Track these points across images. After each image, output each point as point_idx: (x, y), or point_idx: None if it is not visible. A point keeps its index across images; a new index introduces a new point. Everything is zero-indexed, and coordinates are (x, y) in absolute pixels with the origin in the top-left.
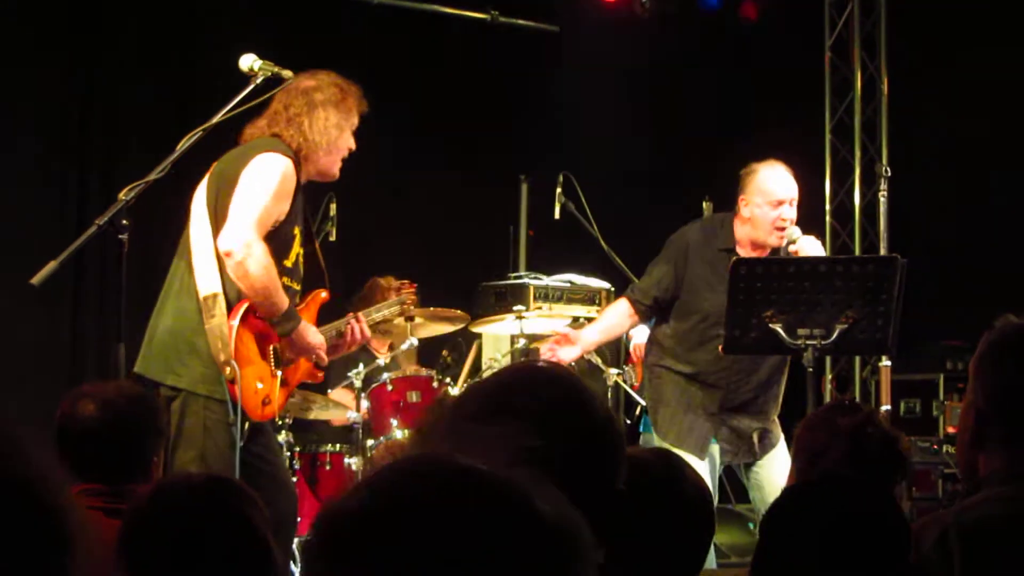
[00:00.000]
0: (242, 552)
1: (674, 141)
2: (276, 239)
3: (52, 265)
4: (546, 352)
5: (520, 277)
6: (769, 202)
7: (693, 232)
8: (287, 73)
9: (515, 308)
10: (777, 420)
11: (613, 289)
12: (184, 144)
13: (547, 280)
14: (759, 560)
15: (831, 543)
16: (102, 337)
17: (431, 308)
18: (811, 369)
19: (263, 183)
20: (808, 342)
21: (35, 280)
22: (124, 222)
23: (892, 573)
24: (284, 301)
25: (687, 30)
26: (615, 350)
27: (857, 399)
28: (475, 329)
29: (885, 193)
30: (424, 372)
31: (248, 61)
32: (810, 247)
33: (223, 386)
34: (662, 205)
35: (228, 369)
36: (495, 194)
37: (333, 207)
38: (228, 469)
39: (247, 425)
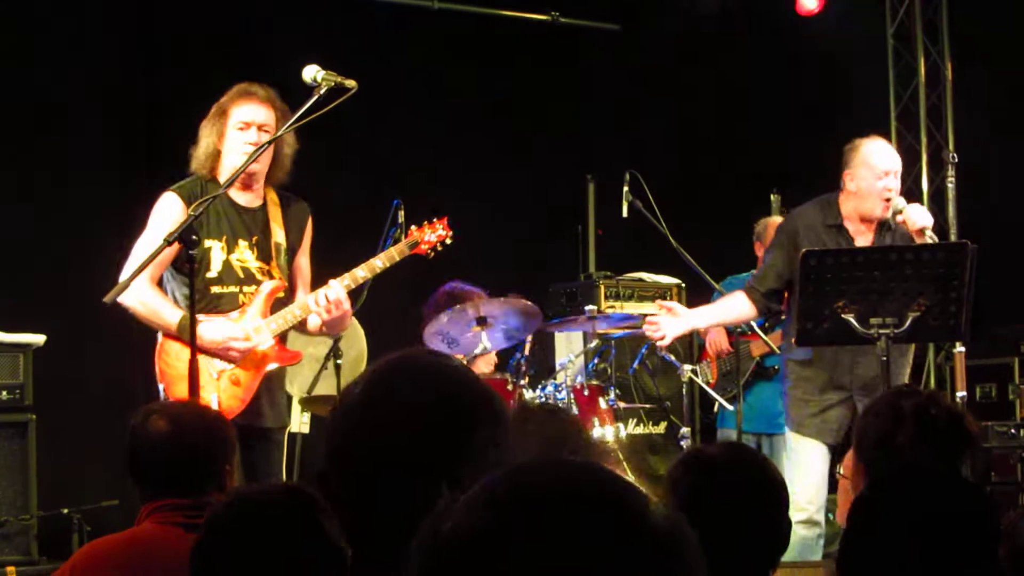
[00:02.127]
0: (318, 562)
1: (740, 135)
2: (183, 260)
3: (124, 283)
4: (648, 327)
5: (590, 276)
6: (875, 174)
7: (801, 214)
8: (350, 83)
9: (586, 308)
10: None
11: (684, 285)
12: (251, 158)
13: (617, 279)
14: (845, 552)
15: (919, 538)
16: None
17: (503, 297)
18: (884, 358)
19: (146, 227)
20: (881, 331)
21: (107, 299)
22: (194, 237)
23: (980, 569)
24: (169, 317)
25: (749, 23)
26: (687, 346)
27: (933, 386)
28: (547, 330)
29: (953, 179)
30: (498, 376)
31: (311, 72)
32: (917, 214)
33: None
34: (731, 200)
35: (160, 388)
36: (562, 194)
37: (401, 214)
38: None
39: None
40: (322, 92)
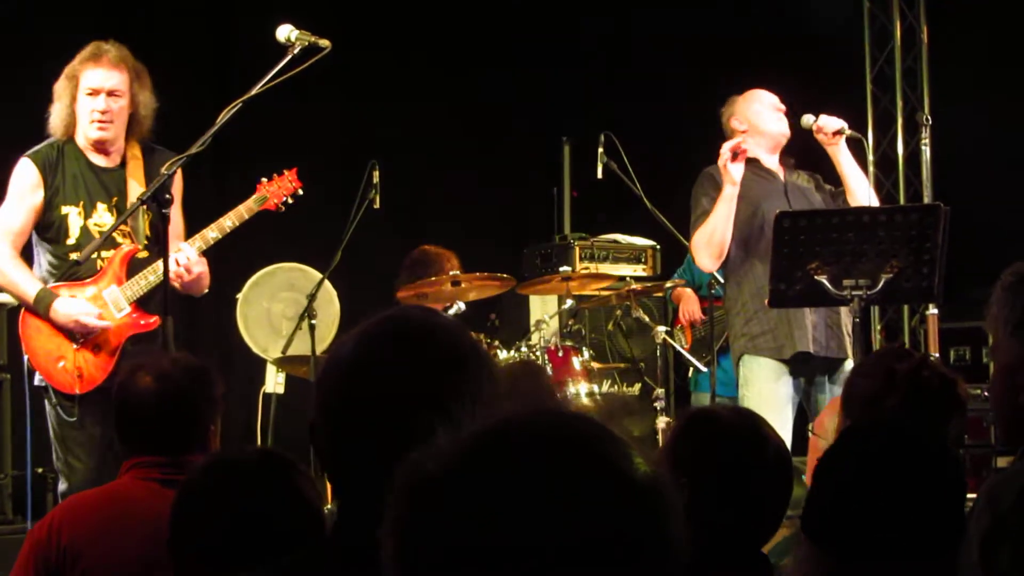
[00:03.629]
0: (293, 524)
1: (712, 97)
2: (45, 227)
3: (96, 243)
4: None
5: (565, 238)
6: (758, 101)
7: (712, 168)
8: (324, 42)
9: (560, 269)
10: None
11: (658, 247)
12: (223, 117)
13: (592, 240)
14: (812, 502)
15: (886, 488)
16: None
17: (476, 272)
18: (858, 320)
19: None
20: (854, 293)
21: (80, 256)
22: (167, 196)
23: (945, 523)
24: (26, 290)
25: None
26: (662, 308)
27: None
28: (521, 291)
29: (927, 142)
30: (472, 335)
31: (285, 31)
32: (830, 119)
33: (29, 373)
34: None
35: (25, 360)
36: (537, 157)
37: (376, 175)
38: (58, 444)
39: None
40: (296, 52)
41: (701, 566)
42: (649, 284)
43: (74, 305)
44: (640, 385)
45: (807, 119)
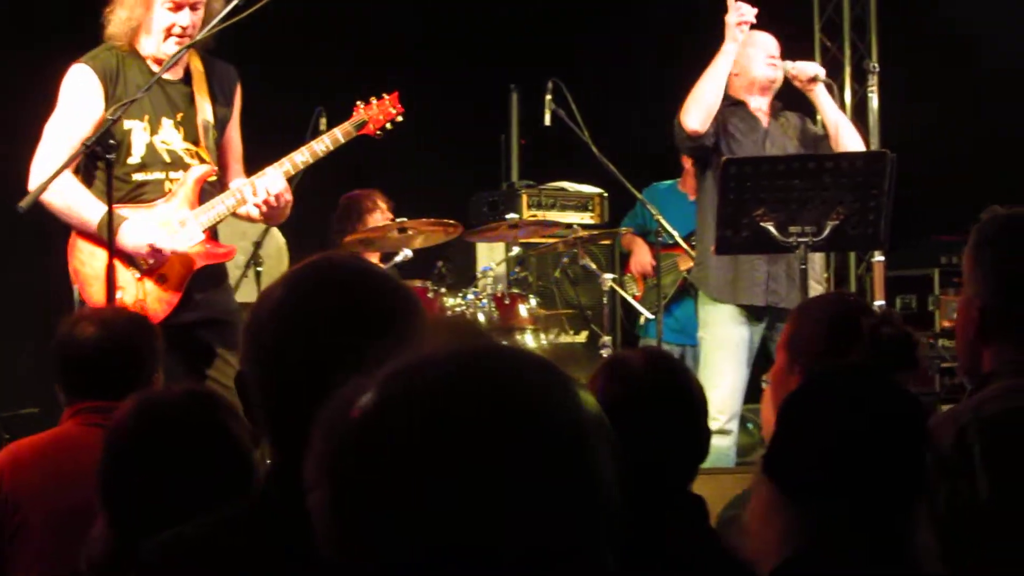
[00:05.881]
0: (223, 464)
1: (656, 43)
2: (103, 144)
3: (38, 188)
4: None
5: (512, 185)
6: (751, 44)
7: None
8: None
9: (508, 216)
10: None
11: (606, 195)
12: (169, 62)
13: (540, 188)
14: (775, 447)
15: (849, 433)
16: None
17: (423, 219)
18: (803, 267)
19: (57, 107)
20: (800, 240)
21: (22, 204)
22: (111, 142)
23: (909, 468)
24: (89, 214)
25: None
26: (609, 256)
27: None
28: (468, 239)
29: (874, 89)
30: (419, 283)
31: None
32: (806, 65)
33: (79, 305)
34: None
35: (75, 291)
36: (485, 104)
37: (323, 121)
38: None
39: None
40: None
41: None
42: (596, 232)
43: (146, 228)
44: (588, 332)
45: (784, 64)
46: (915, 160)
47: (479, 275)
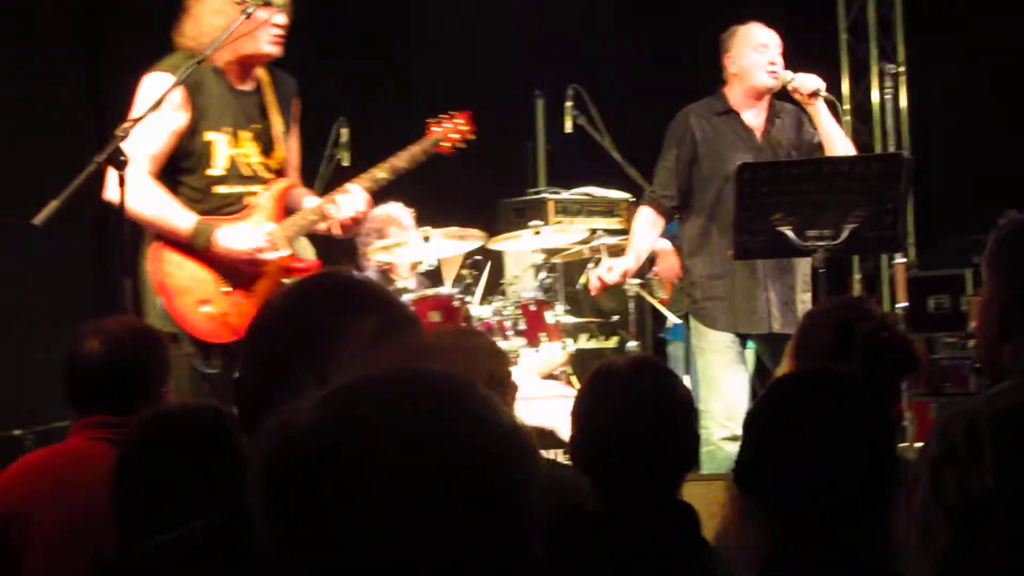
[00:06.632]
0: (230, 480)
1: (683, 45)
2: (187, 155)
3: (54, 204)
4: (596, 280)
5: (539, 192)
6: (754, 48)
7: (689, 111)
8: (279, 1)
9: (532, 223)
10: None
11: (633, 199)
12: (179, 77)
13: (566, 194)
14: (741, 457)
15: (811, 439)
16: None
17: (448, 227)
18: (822, 270)
19: (135, 114)
20: (818, 243)
21: (37, 220)
22: (122, 158)
23: (876, 469)
24: (180, 222)
25: None
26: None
27: (887, 298)
28: (493, 246)
29: (891, 91)
30: (444, 291)
31: None
32: (807, 79)
33: (171, 320)
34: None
35: (159, 303)
36: (512, 111)
37: (345, 132)
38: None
39: (209, 351)
40: (249, 10)
41: (619, 515)
42: (622, 238)
43: (244, 235)
44: (617, 338)
45: (785, 75)
46: (947, 160)
47: (505, 282)
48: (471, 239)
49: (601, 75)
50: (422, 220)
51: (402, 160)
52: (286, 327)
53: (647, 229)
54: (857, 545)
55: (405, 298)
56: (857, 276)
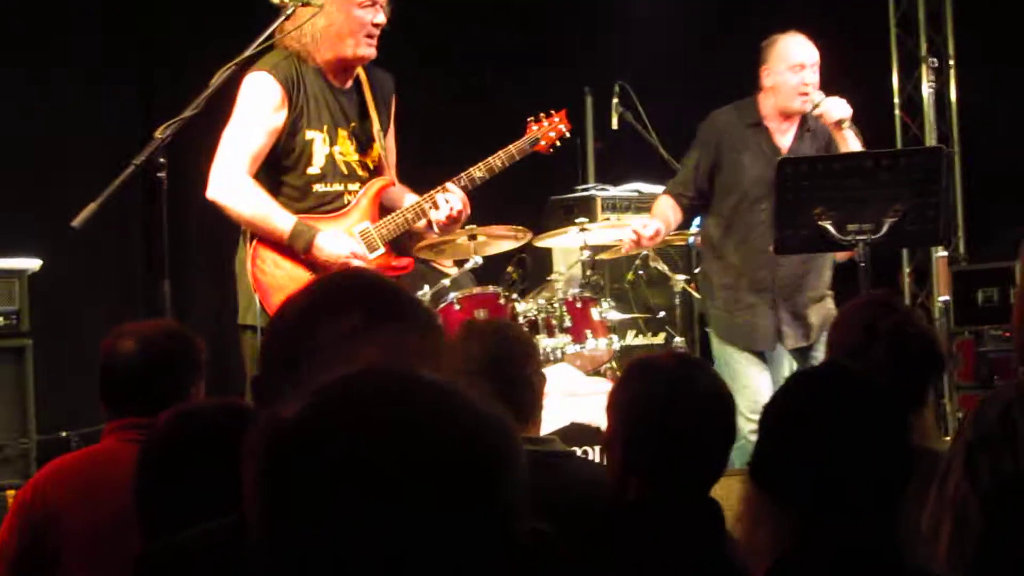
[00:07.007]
0: None
1: (737, 43)
2: (286, 154)
3: (92, 207)
4: (632, 233)
5: (588, 189)
6: (790, 67)
7: (720, 115)
8: (317, 1)
9: (578, 220)
10: (831, 296)
11: None
12: (217, 79)
13: (614, 191)
14: (757, 453)
15: (825, 434)
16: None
17: (494, 225)
18: (863, 264)
19: (236, 114)
20: (858, 237)
21: (76, 222)
22: (161, 160)
23: (890, 464)
24: (280, 223)
25: None
26: (684, 256)
27: (935, 290)
28: (540, 243)
29: (933, 84)
30: (491, 289)
31: None
32: (834, 106)
33: (267, 317)
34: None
35: (257, 299)
36: (561, 108)
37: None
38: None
39: None
40: (289, 11)
41: (647, 511)
42: (670, 233)
43: (342, 240)
44: (664, 335)
45: (815, 96)
46: (997, 153)
47: (552, 278)
48: (516, 238)
49: (649, 71)
50: (471, 217)
51: (500, 159)
52: (287, 328)
53: (668, 210)
54: (870, 541)
55: (451, 296)
56: (907, 270)
